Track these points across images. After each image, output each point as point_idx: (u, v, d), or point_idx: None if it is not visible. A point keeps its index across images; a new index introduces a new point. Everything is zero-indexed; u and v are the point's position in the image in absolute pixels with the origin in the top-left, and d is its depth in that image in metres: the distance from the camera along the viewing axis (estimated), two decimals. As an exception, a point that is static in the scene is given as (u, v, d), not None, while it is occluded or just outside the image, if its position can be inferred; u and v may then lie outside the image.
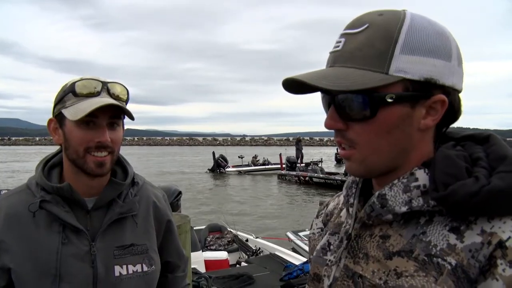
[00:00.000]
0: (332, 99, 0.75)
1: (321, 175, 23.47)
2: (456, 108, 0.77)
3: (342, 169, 28.13)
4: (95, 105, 1.22)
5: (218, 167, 31.44)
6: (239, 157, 33.32)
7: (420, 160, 0.77)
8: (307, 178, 23.69)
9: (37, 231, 1.27)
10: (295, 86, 0.76)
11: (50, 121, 1.34)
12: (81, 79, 1.30)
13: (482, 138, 0.79)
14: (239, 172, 30.47)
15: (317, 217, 1.09)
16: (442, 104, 0.73)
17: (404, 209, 0.74)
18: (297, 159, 30.19)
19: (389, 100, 0.70)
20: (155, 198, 1.50)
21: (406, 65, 0.70)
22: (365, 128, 0.74)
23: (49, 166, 1.38)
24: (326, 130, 0.79)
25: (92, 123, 1.26)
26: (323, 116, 0.79)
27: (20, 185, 1.40)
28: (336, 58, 0.75)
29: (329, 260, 0.88)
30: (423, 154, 0.78)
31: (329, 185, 21.45)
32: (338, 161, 37.73)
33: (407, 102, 0.72)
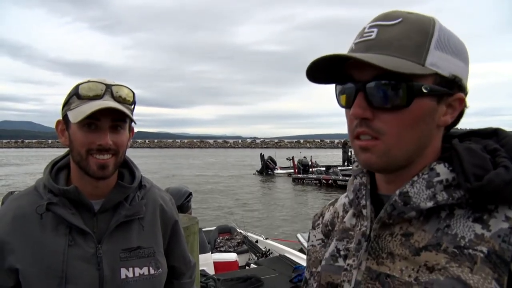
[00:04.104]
0: (362, 87, 0.75)
1: (347, 178, 23.12)
2: (464, 110, 0.79)
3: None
4: (94, 108, 1.22)
5: (267, 169, 31.50)
6: (287, 159, 32.80)
7: (432, 157, 0.79)
8: (330, 181, 23.50)
9: (44, 233, 1.28)
10: (321, 69, 0.77)
11: (58, 122, 1.36)
12: (86, 82, 1.31)
13: (489, 132, 0.82)
14: (289, 175, 29.72)
15: (313, 228, 1.08)
16: (460, 103, 0.77)
17: (430, 204, 0.74)
18: (344, 162, 30.20)
19: (424, 91, 0.72)
20: (162, 201, 1.50)
21: (439, 61, 0.73)
22: (394, 117, 0.74)
23: (57, 168, 1.39)
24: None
25: (94, 125, 1.27)
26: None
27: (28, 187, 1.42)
28: (369, 46, 0.75)
29: (348, 265, 0.86)
30: (435, 151, 0.80)
31: None
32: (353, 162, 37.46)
33: (435, 96, 0.74)
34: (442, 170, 0.75)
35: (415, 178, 0.77)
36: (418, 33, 0.73)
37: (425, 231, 0.76)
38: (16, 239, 1.28)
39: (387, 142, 0.75)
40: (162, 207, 1.49)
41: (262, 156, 32.37)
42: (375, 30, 0.75)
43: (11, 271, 1.27)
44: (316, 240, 1.05)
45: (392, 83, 0.72)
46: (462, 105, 0.77)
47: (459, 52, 0.76)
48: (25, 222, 1.29)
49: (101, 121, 1.27)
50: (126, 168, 1.48)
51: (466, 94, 0.78)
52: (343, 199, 1.02)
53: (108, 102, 1.26)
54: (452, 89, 0.75)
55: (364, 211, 0.86)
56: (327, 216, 1.05)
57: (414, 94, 0.72)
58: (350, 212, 0.95)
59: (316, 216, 1.10)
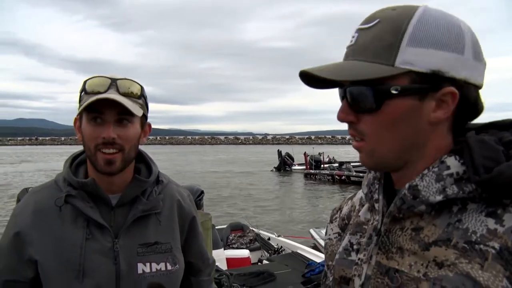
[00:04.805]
0: (343, 92, 0.77)
1: (361, 174, 22.75)
2: (472, 102, 0.76)
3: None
4: (92, 99, 1.23)
5: (285, 165, 31.44)
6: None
7: (437, 153, 0.77)
8: (343, 177, 23.32)
9: (63, 226, 1.29)
10: (310, 79, 0.79)
11: (75, 120, 1.37)
12: (92, 77, 1.31)
13: (507, 124, 0.78)
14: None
15: (331, 222, 1.08)
16: (453, 97, 0.73)
17: (439, 197, 0.72)
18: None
19: (394, 92, 0.71)
20: (179, 196, 1.50)
21: (413, 57, 0.70)
22: (373, 120, 0.75)
23: (77, 162, 1.41)
24: (348, 130, 0.81)
25: (100, 119, 1.27)
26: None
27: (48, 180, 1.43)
28: (349, 52, 0.77)
29: (359, 259, 0.85)
30: (440, 147, 0.77)
31: None
32: None
33: (415, 94, 0.72)
34: (453, 163, 0.73)
35: (425, 171, 0.75)
36: (390, 32, 0.72)
37: (436, 226, 0.74)
38: (36, 232, 1.29)
39: (370, 143, 0.77)
40: (180, 203, 1.48)
41: (279, 153, 32.25)
42: (356, 35, 0.77)
43: (31, 262, 1.28)
44: (333, 233, 1.05)
45: (362, 88, 0.74)
46: (456, 99, 0.73)
47: (445, 43, 0.71)
48: (45, 214, 1.31)
49: (105, 114, 1.26)
50: (143, 163, 1.48)
51: (460, 85, 0.73)
52: (361, 193, 1.01)
53: (108, 95, 1.26)
54: (435, 84, 0.72)
55: (376, 205, 0.86)
56: (345, 210, 1.04)
57: (383, 96, 0.72)
58: (366, 206, 0.94)
59: (334, 210, 1.10)
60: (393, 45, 0.71)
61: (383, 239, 0.81)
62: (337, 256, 0.95)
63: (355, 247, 0.90)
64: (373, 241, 0.83)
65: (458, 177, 0.72)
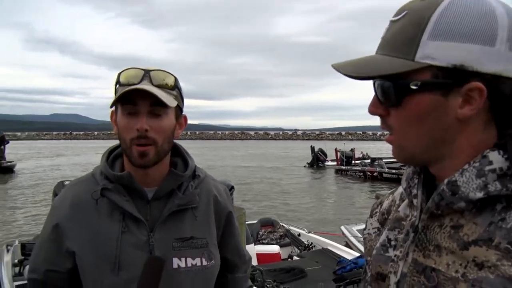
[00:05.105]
0: (373, 86, 0.76)
1: (393, 170, 22.33)
2: (507, 96, 0.69)
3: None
4: (124, 90, 1.23)
5: (317, 161, 31.48)
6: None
7: (472, 149, 0.72)
8: (375, 174, 22.98)
9: (99, 219, 1.30)
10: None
11: (112, 113, 1.38)
12: (126, 69, 1.32)
13: None
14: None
15: (371, 216, 1.05)
16: (480, 93, 0.68)
17: (480, 194, 0.68)
18: None
19: (413, 87, 0.69)
20: (216, 191, 1.49)
21: (434, 51, 0.67)
22: (398, 114, 0.74)
23: (114, 156, 1.41)
24: (380, 124, 0.80)
25: (134, 111, 1.27)
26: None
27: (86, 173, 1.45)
28: (379, 46, 0.76)
29: (395, 255, 0.83)
30: (473, 143, 0.73)
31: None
32: None
33: (437, 90, 0.69)
34: (496, 158, 0.68)
35: (466, 166, 0.71)
36: (413, 25, 0.69)
37: (477, 224, 0.70)
38: (73, 225, 1.31)
39: (397, 137, 0.76)
40: (216, 198, 1.47)
41: (312, 148, 32.21)
42: (387, 27, 0.75)
43: (69, 254, 1.31)
44: (372, 228, 1.02)
45: (385, 83, 0.72)
46: (483, 94, 0.68)
47: (471, 34, 0.66)
48: (82, 208, 1.32)
49: (138, 105, 1.26)
50: (180, 157, 1.48)
51: (488, 80, 0.67)
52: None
53: (141, 86, 1.26)
54: (459, 79, 0.67)
55: (414, 201, 0.83)
56: (385, 204, 1.01)
57: (404, 92, 0.70)
58: (405, 201, 0.91)
59: (375, 204, 1.07)
60: (414, 39, 0.68)
61: (420, 236, 0.78)
62: (374, 252, 0.92)
63: (392, 243, 0.87)
64: (410, 237, 0.80)
65: (501, 173, 0.68)
